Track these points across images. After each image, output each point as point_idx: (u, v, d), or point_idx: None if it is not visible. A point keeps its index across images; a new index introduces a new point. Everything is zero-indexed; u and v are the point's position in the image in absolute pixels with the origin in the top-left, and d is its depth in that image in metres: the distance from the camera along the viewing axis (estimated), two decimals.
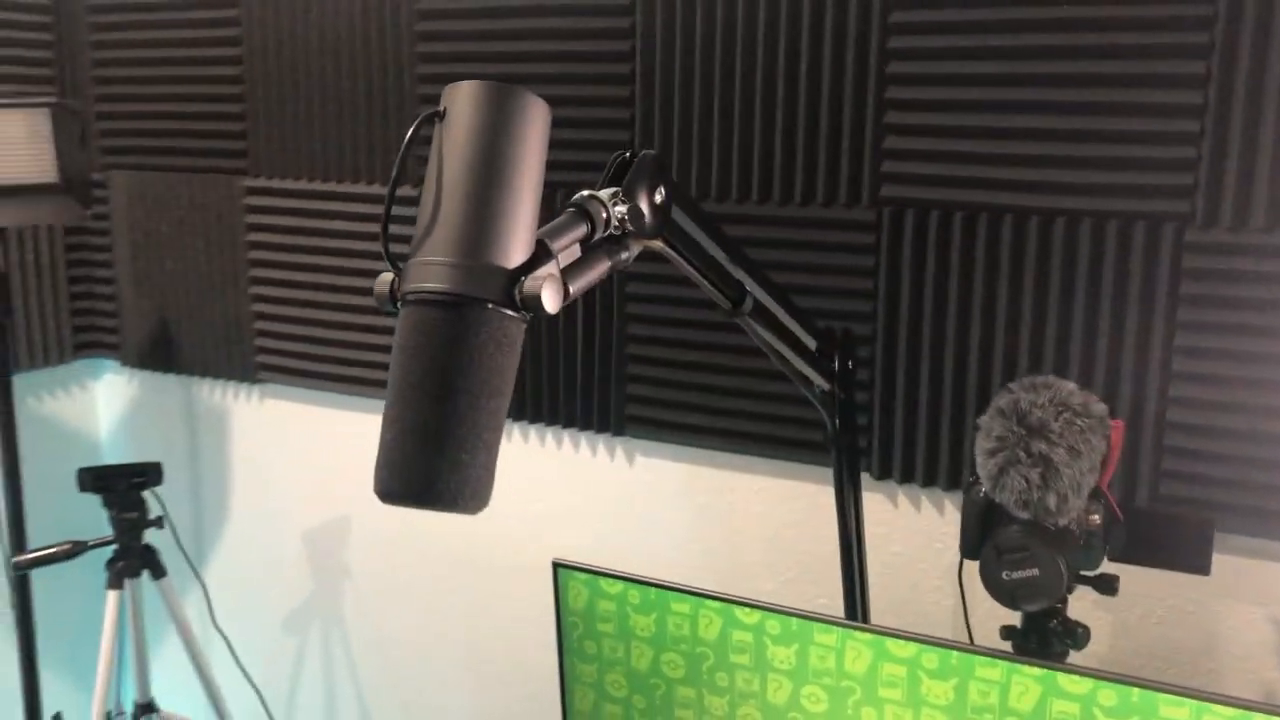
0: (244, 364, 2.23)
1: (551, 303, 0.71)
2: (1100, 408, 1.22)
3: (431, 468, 0.70)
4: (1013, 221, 1.51)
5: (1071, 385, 1.22)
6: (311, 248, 2.11)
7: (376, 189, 1.99)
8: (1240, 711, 1.13)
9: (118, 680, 2.00)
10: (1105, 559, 1.31)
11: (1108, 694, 1.19)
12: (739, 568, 1.84)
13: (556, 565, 1.48)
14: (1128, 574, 1.54)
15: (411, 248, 0.73)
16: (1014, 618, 1.36)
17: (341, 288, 2.09)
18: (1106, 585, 1.32)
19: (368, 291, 2.05)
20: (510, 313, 0.71)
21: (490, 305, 0.70)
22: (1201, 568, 1.30)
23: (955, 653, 1.25)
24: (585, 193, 0.79)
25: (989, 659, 1.24)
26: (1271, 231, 1.37)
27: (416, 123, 0.73)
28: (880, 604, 1.67)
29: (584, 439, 1.92)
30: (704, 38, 1.67)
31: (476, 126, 0.73)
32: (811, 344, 1.24)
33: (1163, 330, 1.44)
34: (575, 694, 1.54)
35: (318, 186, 2.08)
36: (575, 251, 0.77)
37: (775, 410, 1.72)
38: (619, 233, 0.80)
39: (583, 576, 1.47)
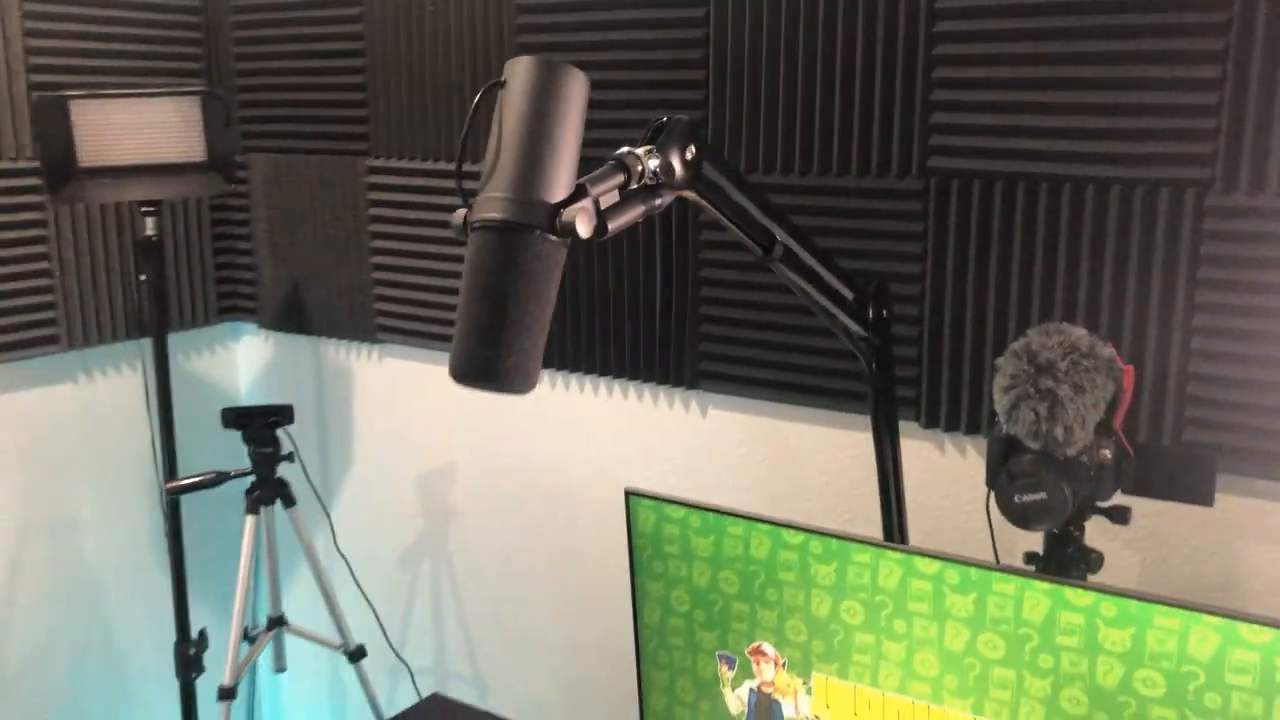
0: (365, 326, 2.46)
1: (584, 230, 0.88)
2: (1107, 351, 1.33)
3: (489, 356, 0.88)
4: (1048, 190, 1.62)
5: (1081, 331, 1.34)
6: (424, 221, 2.32)
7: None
8: (1225, 620, 1.25)
9: (254, 597, 2.24)
10: (1118, 491, 1.43)
11: (1108, 606, 1.31)
12: (801, 511, 1.99)
13: (628, 493, 1.65)
14: (1157, 514, 1.65)
15: (478, 188, 0.91)
16: (1038, 545, 1.49)
17: (449, 256, 2.30)
18: (1119, 515, 1.43)
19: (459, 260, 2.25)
20: (552, 237, 0.89)
21: (536, 231, 0.88)
22: (1205, 498, 1.40)
23: (974, 569, 1.39)
24: (625, 149, 0.96)
25: (1003, 575, 1.37)
26: None
27: (484, 89, 0.90)
28: (929, 540, 1.80)
29: (662, 393, 2.09)
30: (770, 27, 1.82)
31: (528, 92, 0.90)
32: (849, 294, 1.39)
33: (1185, 288, 1.54)
34: (645, 609, 1.71)
35: (430, 165, 2.28)
36: (614, 196, 0.93)
37: (837, 365, 1.86)
38: (653, 183, 0.96)
39: (650, 503, 1.64)
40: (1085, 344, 1.32)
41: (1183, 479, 1.41)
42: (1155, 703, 1.30)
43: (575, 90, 0.92)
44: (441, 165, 2.26)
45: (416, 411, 2.45)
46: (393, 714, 2.01)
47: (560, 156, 0.89)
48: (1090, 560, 1.44)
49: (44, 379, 2.35)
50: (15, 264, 2.25)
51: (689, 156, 1.00)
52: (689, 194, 1.03)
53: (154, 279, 2.13)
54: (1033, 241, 1.64)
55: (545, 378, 2.23)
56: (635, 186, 0.95)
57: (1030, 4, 1.59)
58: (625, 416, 2.14)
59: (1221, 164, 1.49)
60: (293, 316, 2.58)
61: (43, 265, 2.30)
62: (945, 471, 1.82)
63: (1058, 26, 1.58)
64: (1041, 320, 1.65)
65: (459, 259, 2.27)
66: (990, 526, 1.58)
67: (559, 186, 0.89)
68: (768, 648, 1.58)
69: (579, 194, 0.90)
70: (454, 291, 2.30)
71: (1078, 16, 1.56)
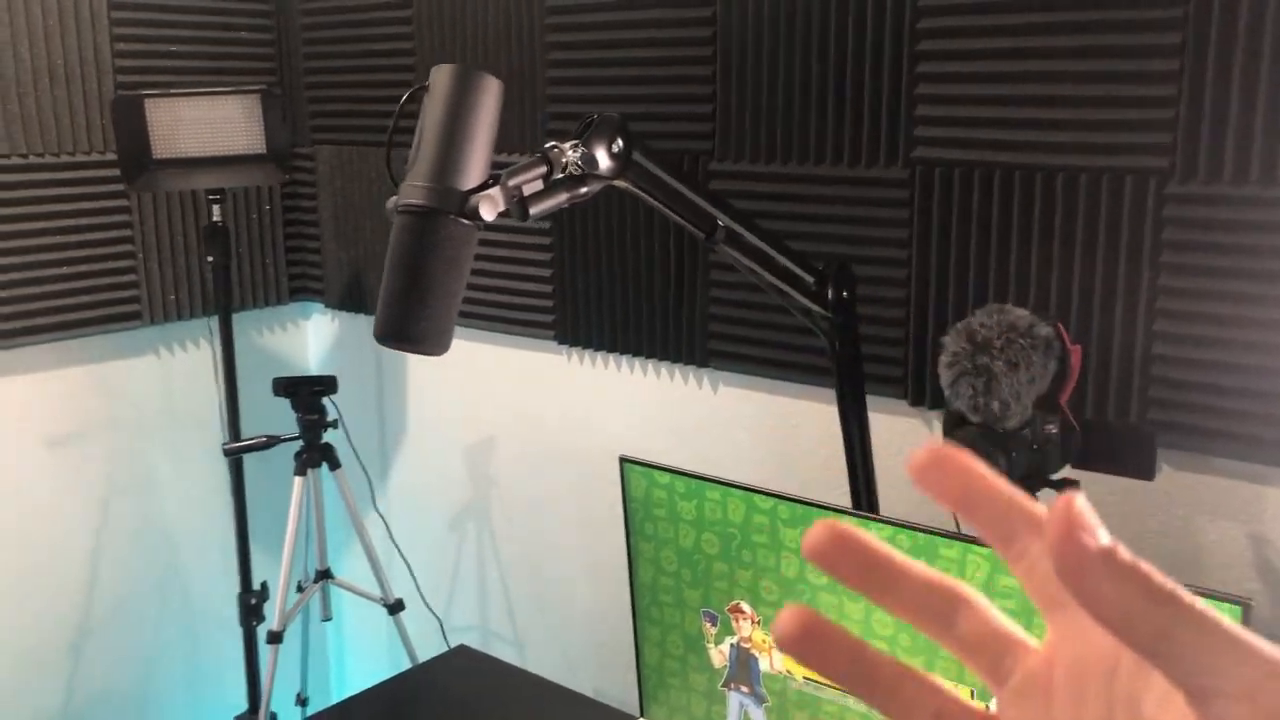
0: None
1: (488, 214, 0.99)
2: (1045, 330, 1.39)
3: (405, 321, 1.00)
4: (1021, 178, 1.67)
5: (1022, 312, 1.40)
6: None
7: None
8: None
9: (305, 553, 2.41)
10: (1066, 465, 1.48)
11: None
12: (802, 484, 2.07)
13: (622, 460, 1.76)
14: (1130, 491, 1.69)
15: (405, 177, 1.04)
16: None
17: (498, 241, 2.43)
18: (1066, 487, 1.49)
19: (515, 249, 2.38)
20: (463, 221, 1.00)
21: (448, 215, 1.00)
22: (1146, 473, 1.45)
23: (921, 534, 1.46)
24: (550, 143, 1.07)
25: (946, 540, 1.44)
26: (1240, 184, 1.49)
27: (409, 92, 1.03)
28: (916, 511, 1.86)
29: (677, 370, 2.19)
30: (770, 26, 1.90)
31: (446, 95, 1.02)
32: (807, 276, 1.47)
33: (1148, 272, 1.58)
34: (640, 568, 1.82)
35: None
36: (538, 184, 1.04)
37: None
38: (578, 173, 1.07)
39: (640, 469, 1.75)
40: (1024, 323, 1.38)
41: (1126, 454, 1.46)
42: None
43: (487, 93, 1.03)
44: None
45: (461, 384, 2.60)
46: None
47: (472, 150, 1.01)
48: None
49: (127, 351, 2.57)
50: (103, 246, 2.46)
51: (615, 149, 1.10)
52: (620, 183, 1.14)
53: (220, 261, 2.31)
54: (1008, 228, 1.70)
55: (573, 355, 2.35)
56: (559, 176, 1.06)
57: (1007, 1, 1.65)
58: (643, 392, 2.25)
59: (1180, 153, 1.53)
60: (355, 296, 2.75)
61: (127, 248, 2.50)
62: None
63: (1032, 22, 1.63)
64: (1018, 301, 1.71)
65: (505, 244, 2.40)
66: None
67: (470, 176, 1.01)
68: (745, 606, 1.67)
69: (488, 183, 1.01)
70: (497, 275, 2.44)
71: (1050, 13, 1.61)
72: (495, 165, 1.04)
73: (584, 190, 1.09)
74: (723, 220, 1.27)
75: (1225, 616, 0.29)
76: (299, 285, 2.86)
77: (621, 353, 2.24)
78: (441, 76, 1.03)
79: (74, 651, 2.54)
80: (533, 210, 1.03)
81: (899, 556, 0.36)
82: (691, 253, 2.08)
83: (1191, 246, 1.54)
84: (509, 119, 2.32)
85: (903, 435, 1.89)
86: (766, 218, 1.93)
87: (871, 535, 0.36)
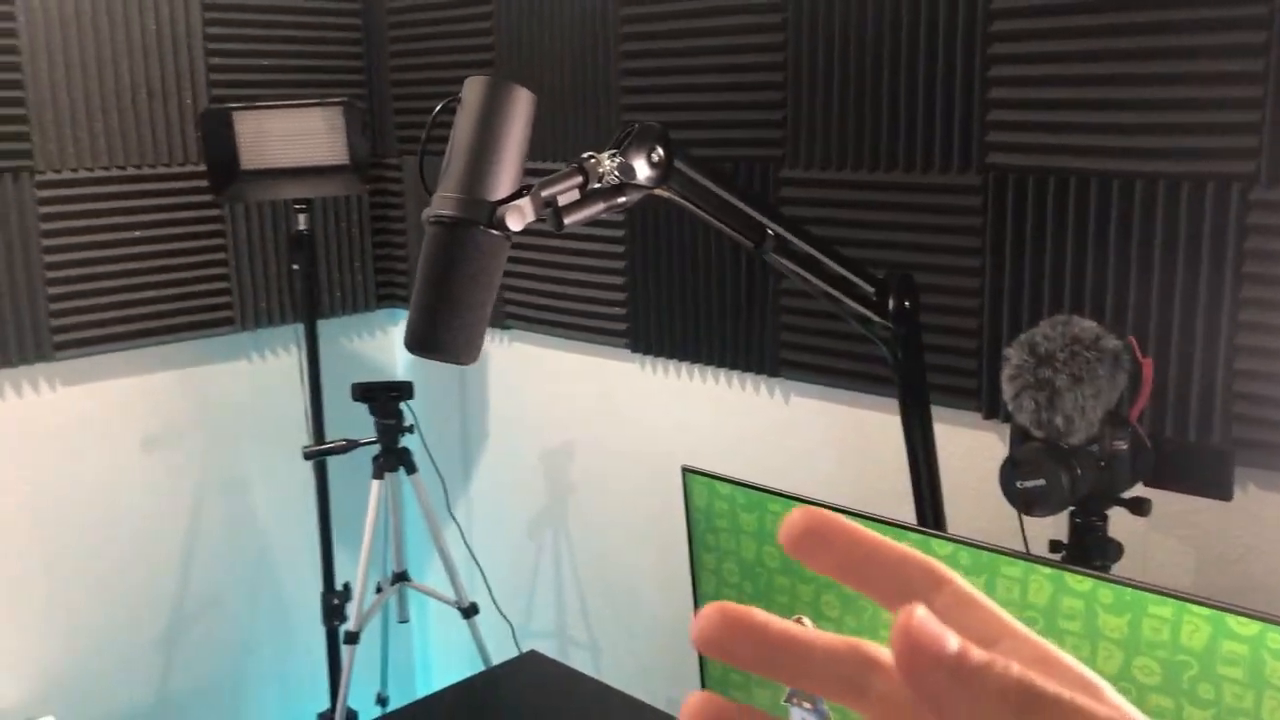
0: (497, 312, 2.64)
1: (515, 224, 0.99)
2: (1113, 343, 1.34)
3: (433, 330, 1.01)
4: (1098, 185, 1.61)
5: (1089, 323, 1.35)
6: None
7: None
8: (1214, 612, 1.24)
9: (383, 555, 2.46)
10: (1139, 484, 1.42)
11: (1105, 592, 1.31)
12: (873, 497, 2.03)
13: (685, 470, 1.75)
14: (1209, 511, 1.61)
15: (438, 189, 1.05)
16: (1064, 532, 1.50)
17: (570, 249, 2.44)
18: (1138, 507, 1.42)
19: (590, 256, 2.39)
20: (492, 231, 1.01)
21: (476, 226, 1.00)
22: (1223, 492, 1.38)
23: (984, 552, 1.42)
24: (587, 154, 1.06)
25: (1009, 558, 1.39)
26: None
27: (442, 105, 1.03)
28: (989, 529, 1.81)
29: (749, 380, 2.17)
30: (840, 31, 1.87)
31: (477, 107, 1.02)
32: (866, 286, 1.44)
33: (1231, 283, 1.51)
34: (702, 579, 1.80)
35: (546, 165, 2.44)
36: (574, 195, 1.04)
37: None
38: (615, 183, 1.06)
39: (702, 479, 1.73)
40: (1089, 335, 1.33)
41: (1201, 473, 1.40)
42: (1153, 690, 1.30)
43: (518, 105, 1.03)
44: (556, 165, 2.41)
45: (537, 391, 2.62)
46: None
47: (502, 161, 1.01)
48: (1109, 550, 1.44)
49: (221, 356, 2.65)
50: (197, 254, 2.55)
51: (655, 158, 1.10)
52: (662, 192, 1.13)
53: (305, 268, 2.37)
54: (1084, 236, 1.64)
55: (646, 362, 2.35)
56: (596, 186, 1.05)
57: (1082, 2, 1.59)
58: (714, 401, 2.23)
59: (1266, 158, 1.45)
60: None
61: (220, 255, 2.59)
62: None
63: (1109, 23, 1.57)
64: (1093, 313, 1.65)
65: (581, 252, 2.42)
66: (1020, 514, 1.59)
67: (500, 187, 1.01)
68: (806, 620, 1.65)
69: (518, 193, 1.01)
70: (573, 282, 2.45)
71: (1128, 13, 1.55)
72: None
73: (622, 200, 1.08)
74: (772, 228, 1.25)
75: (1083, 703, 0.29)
76: (387, 292, 2.92)
77: (693, 361, 2.23)
78: (473, 88, 1.04)
79: (168, 645, 2.63)
80: (568, 220, 1.03)
81: (875, 544, 0.34)
82: (763, 261, 2.05)
83: (1277, 256, 1.46)
84: (584, 127, 2.33)
85: (975, 449, 1.84)
86: (836, 225, 1.90)
87: (847, 523, 0.34)
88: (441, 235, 1.02)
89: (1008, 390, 1.37)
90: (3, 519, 2.36)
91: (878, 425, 2.00)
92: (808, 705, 1.67)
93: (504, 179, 1.01)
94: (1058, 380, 1.31)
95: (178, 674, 2.65)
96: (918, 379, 1.52)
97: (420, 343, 1.03)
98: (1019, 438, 1.44)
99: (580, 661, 2.60)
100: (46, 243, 2.32)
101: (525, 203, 1.01)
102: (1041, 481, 1.34)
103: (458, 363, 1.03)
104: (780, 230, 1.26)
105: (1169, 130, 1.53)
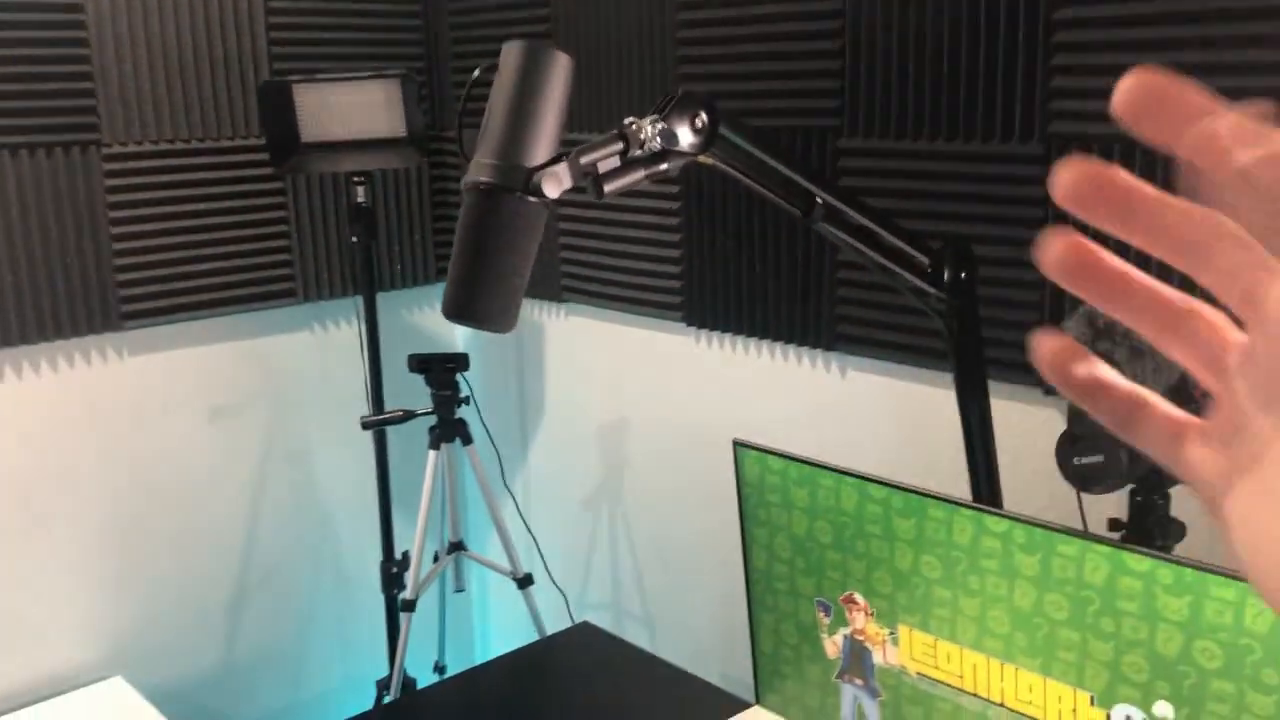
0: (554, 287, 2.64)
1: (552, 191, 0.98)
2: None
3: (469, 298, 1.01)
4: (1164, 154, 1.56)
5: None
6: (609, 204, 2.46)
7: None
8: None
9: (440, 525, 2.48)
10: None
11: (1166, 573, 1.28)
12: (930, 473, 1.99)
13: (736, 444, 1.74)
14: None
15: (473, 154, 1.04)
16: (1123, 510, 1.46)
17: (626, 222, 2.43)
18: None
19: (645, 229, 2.38)
20: (530, 198, 1.00)
21: (513, 192, 0.99)
22: None
23: (1038, 529, 1.38)
24: (628, 119, 1.05)
25: (1065, 536, 1.36)
26: None
27: (480, 70, 1.03)
28: (1048, 507, 1.77)
29: (805, 353, 2.14)
30: (900, 4, 1.83)
31: (514, 72, 1.01)
32: (920, 256, 1.41)
33: None
34: (754, 554, 1.79)
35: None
36: (614, 162, 1.03)
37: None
38: (657, 150, 1.05)
39: (754, 453, 1.72)
40: None
41: None
42: (1215, 675, 1.26)
43: (556, 69, 1.02)
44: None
45: (592, 365, 2.62)
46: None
47: (539, 127, 1.00)
48: (1170, 530, 1.40)
49: (282, 328, 2.69)
50: (259, 226, 2.58)
51: (699, 125, 1.08)
52: (706, 159, 1.11)
53: (364, 241, 2.39)
54: None
55: (701, 336, 2.33)
56: (638, 153, 1.04)
57: None
58: (770, 375, 2.21)
59: None
60: None
61: (282, 228, 2.62)
62: None
63: None
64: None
65: (636, 225, 2.40)
66: (1078, 491, 1.55)
67: (537, 153, 1.00)
68: (858, 597, 1.63)
69: (555, 159, 1.00)
70: (629, 256, 2.44)
71: None
72: None
73: (664, 167, 1.06)
74: (822, 197, 1.23)
75: None
76: (446, 265, 2.93)
77: (748, 335, 2.21)
78: (511, 53, 1.03)
79: (233, 610, 2.69)
80: (608, 188, 1.02)
81: (1153, 194, 0.35)
82: (814, 231, 2.02)
83: None
84: (640, 96, 2.31)
85: (1034, 426, 1.80)
86: (894, 196, 1.87)
87: (1120, 173, 0.34)
88: (478, 202, 1.01)
89: None
90: (72, 486, 2.43)
91: (935, 400, 1.96)
92: (859, 682, 1.66)
93: (542, 145, 1.00)
94: (1117, 354, 1.27)
95: (242, 638, 2.71)
96: (974, 352, 1.48)
97: (457, 310, 1.03)
98: (1077, 413, 1.40)
99: (634, 634, 2.61)
100: (113, 214, 2.37)
101: (563, 168, 1.00)
102: (1099, 458, 1.31)
103: (494, 330, 1.02)
104: (829, 199, 1.23)
105: (1243, 95, 1.47)
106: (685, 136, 1.07)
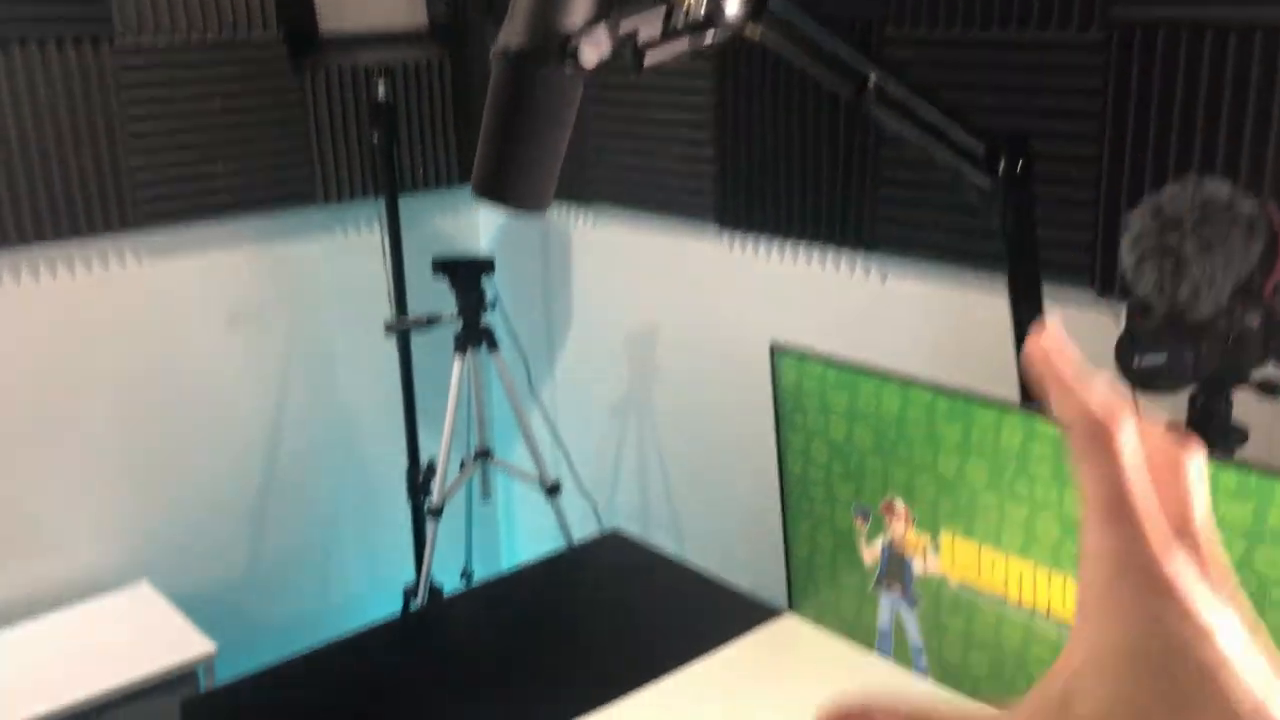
0: (581, 189, 2.57)
1: (590, 58, 0.90)
2: (1249, 207, 1.22)
3: (502, 176, 0.94)
4: (1237, 40, 1.46)
5: (1223, 184, 1.23)
6: (637, 86, 2.38)
7: None
8: None
9: (466, 432, 2.45)
10: (1269, 363, 1.31)
11: (1228, 478, 1.22)
12: (972, 379, 1.93)
13: (772, 348, 1.68)
14: None
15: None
16: (1180, 415, 1.40)
17: (661, 121, 2.35)
18: (1268, 388, 1.32)
19: (677, 127, 2.29)
20: (564, 69, 0.92)
21: (546, 61, 0.92)
22: None
23: None
24: None
25: None
26: None
27: None
28: None
29: (843, 257, 2.07)
30: None
31: None
32: (975, 144, 1.33)
33: None
34: (789, 460, 1.74)
35: None
36: (656, 29, 0.95)
37: None
38: (701, 19, 0.97)
39: (792, 357, 1.66)
40: (1223, 198, 1.21)
41: None
42: (1276, 584, 1.21)
43: None
44: None
45: (621, 270, 2.55)
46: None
47: None
48: (1232, 435, 1.34)
49: (302, 231, 2.63)
50: (276, 125, 2.51)
51: None
52: (752, 33, 1.03)
53: (385, 140, 2.32)
54: (1219, 96, 1.50)
55: (735, 241, 2.26)
56: (683, 21, 0.97)
57: None
58: (806, 279, 2.14)
59: None
60: None
61: (300, 127, 2.54)
62: None
63: None
64: (1227, 177, 1.51)
65: (668, 123, 2.32)
66: (1135, 396, 1.49)
67: (573, 19, 0.92)
68: (898, 504, 1.58)
69: (590, 26, 0.93)
70: (660, 156, 2.36)
71: None
72: None
73: (708, 38, 0.99)
74: (874, 76, 1.15)
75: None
76: (470, 167, 2.86)
77: (784, 237, 2.14)
78: None
79: (257, 516, 2.68)
80: (649, 60, 0.95)
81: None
82: (862, 129, 1.94)
83: None
84: None
85: (1086, 329, 1.72)
86: (944, 89, 1.78)
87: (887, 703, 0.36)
88: (509, 72, 0.94)
89: (1128, 258, 1.26)
90: (92, 387, 2.40)
91: (978, 303, 1.89)
92: (897, 591, 1.62)
93: (576, 10, 0.93)
94: (1185, 247, 1.20)
95: (267, 544, 2.71)
96: (1029, 249, 1.41)
97: (487, 187, 0.97)
98: (1137, 311, 1.33)
99: (662, 542, 2.58)
100: (127, 110, 2.30)
101: (601, 33, 0.93)
102: (1163, 358, 1.24)
103: (526, 211, 0.96)
104: (883, 78, 1.15)
105: None
106: (732, 5, 0.99)
